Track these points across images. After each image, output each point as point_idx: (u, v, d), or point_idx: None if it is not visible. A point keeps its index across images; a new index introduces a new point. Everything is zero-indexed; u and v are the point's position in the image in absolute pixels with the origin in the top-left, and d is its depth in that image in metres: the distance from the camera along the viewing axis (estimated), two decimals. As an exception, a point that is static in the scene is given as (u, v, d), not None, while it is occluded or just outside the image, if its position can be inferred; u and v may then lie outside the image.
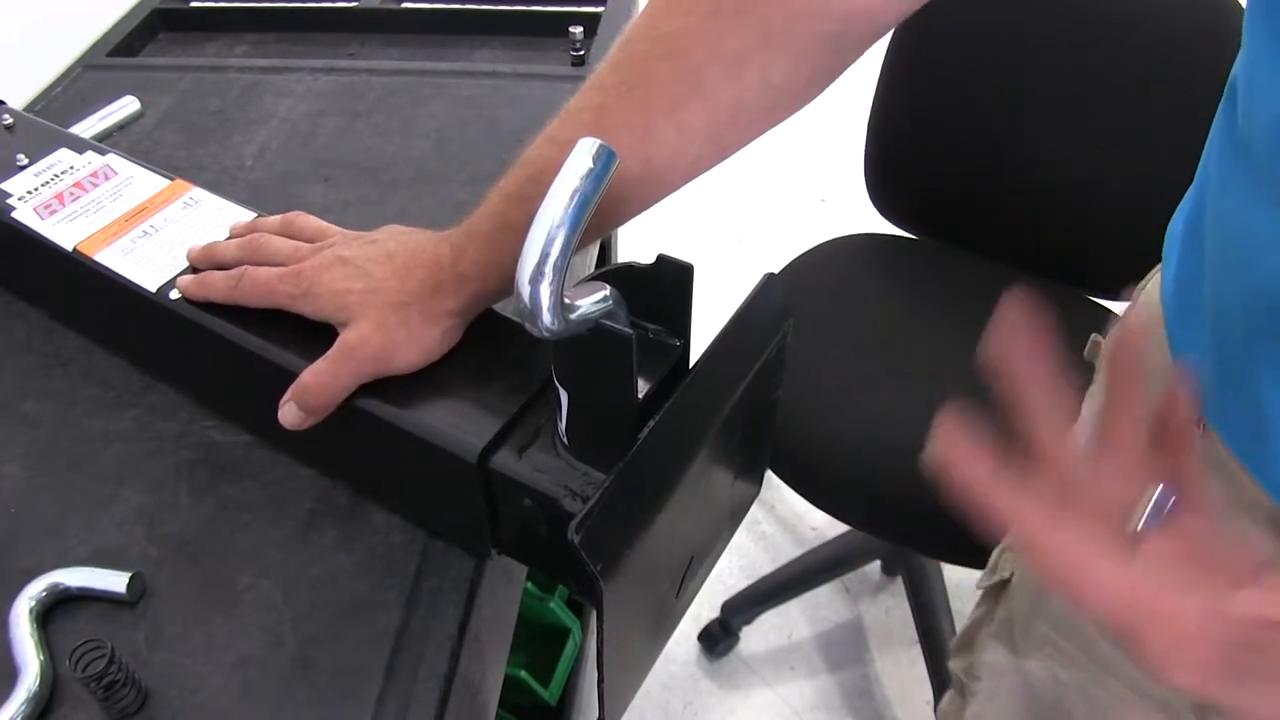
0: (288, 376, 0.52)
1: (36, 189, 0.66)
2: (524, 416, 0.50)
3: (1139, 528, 0.36)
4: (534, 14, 1.08)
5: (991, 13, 1.22)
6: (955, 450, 0.36)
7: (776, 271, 0.51)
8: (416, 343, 0.51)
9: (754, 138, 0.53)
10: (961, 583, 1.59)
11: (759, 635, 1.56)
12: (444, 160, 0.85)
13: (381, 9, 1.11)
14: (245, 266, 0.56)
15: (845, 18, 0.49)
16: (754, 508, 0.69)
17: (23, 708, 0.48)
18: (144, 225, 0.63)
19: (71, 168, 0.68)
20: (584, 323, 0.42)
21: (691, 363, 0.49)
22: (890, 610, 1.58)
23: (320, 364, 0.51)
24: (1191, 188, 0.56)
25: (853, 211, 1.51)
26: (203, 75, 0.99)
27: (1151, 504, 0.35)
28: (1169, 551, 0.35)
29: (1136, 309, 0.64)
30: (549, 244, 0.38)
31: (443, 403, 0.51)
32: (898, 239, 1.39)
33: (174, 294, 0.58)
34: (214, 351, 0.57)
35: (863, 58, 0.53)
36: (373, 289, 0.52)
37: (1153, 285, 0.61)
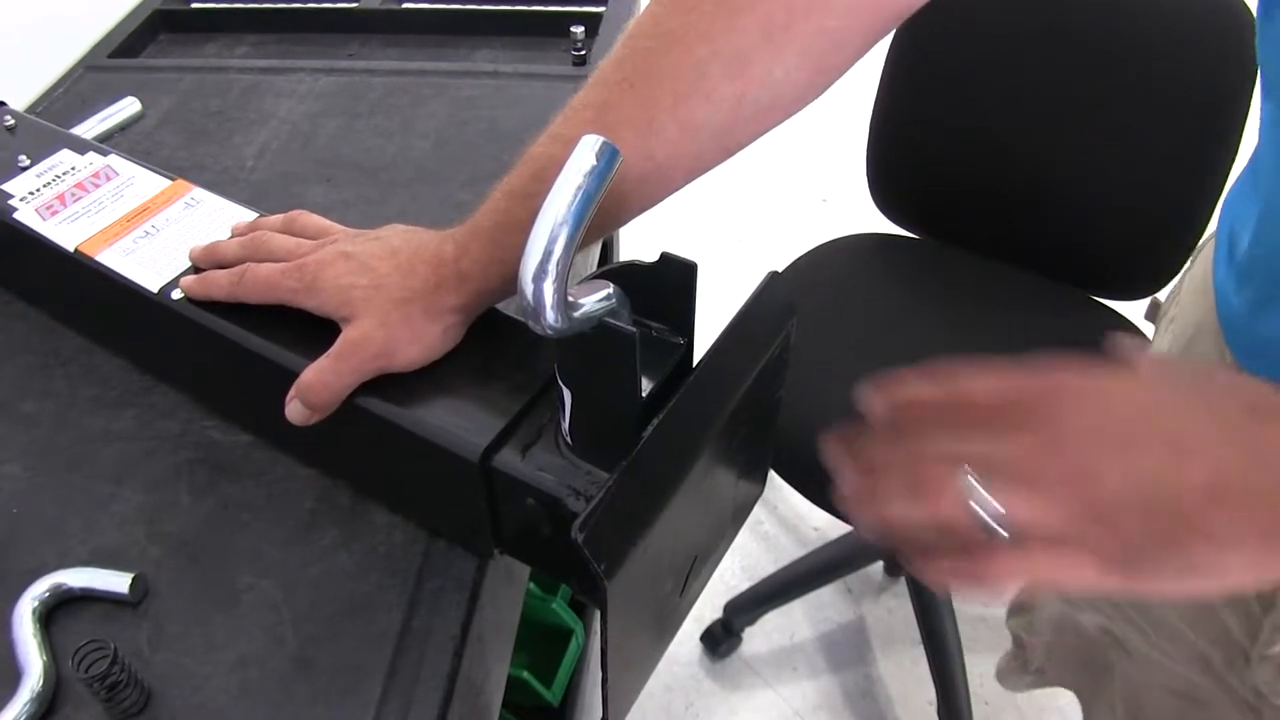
0: (289, 376, 0.52)
1: (38, 190, 0.66)
2: (527, 415, 0.50)
3: None
4: (535, 14, 1.08)
5: (993, 12, 1.22)
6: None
7: (778, 271, 0.51)
8: (418, 340, 0.51)
9: (757, 136, 0.53)
10: (964, 583, 1.59)
11: (761, 636, 1.55)
12: (444, 160, 0.85)
13: (382, 9, 1.11)
14: (248, 264, 0.56)
15: (848, 13, 0.49)
16: (756, 508, 0.69)
17: (26, 708, 0.47)
18: (145, 226, 0.63)
19: (73, 168, 0.68)
20: (587, 321, 0.42)
21: (695, 361, 0.49)
22: (893, 611, 1.58)
23: (322, 361, 0.51)
24: (1247, 164, 0.57)
25: (854, 211, 1.51)
26: (203, 76, 0.99)
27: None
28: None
29: (1193, 270, 0.65)
30: (552, 242, 0.38)
31: (445, 401, 0.51)
32: (899, 239, 1.39)
33: (176, 294, 0.58)
34: (215, 351, 0.57)
35: (864, 56, 0.53)
36: (376, 285, 0.52)
37: (1209, 248, 0.62)
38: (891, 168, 1.36)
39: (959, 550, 0.39)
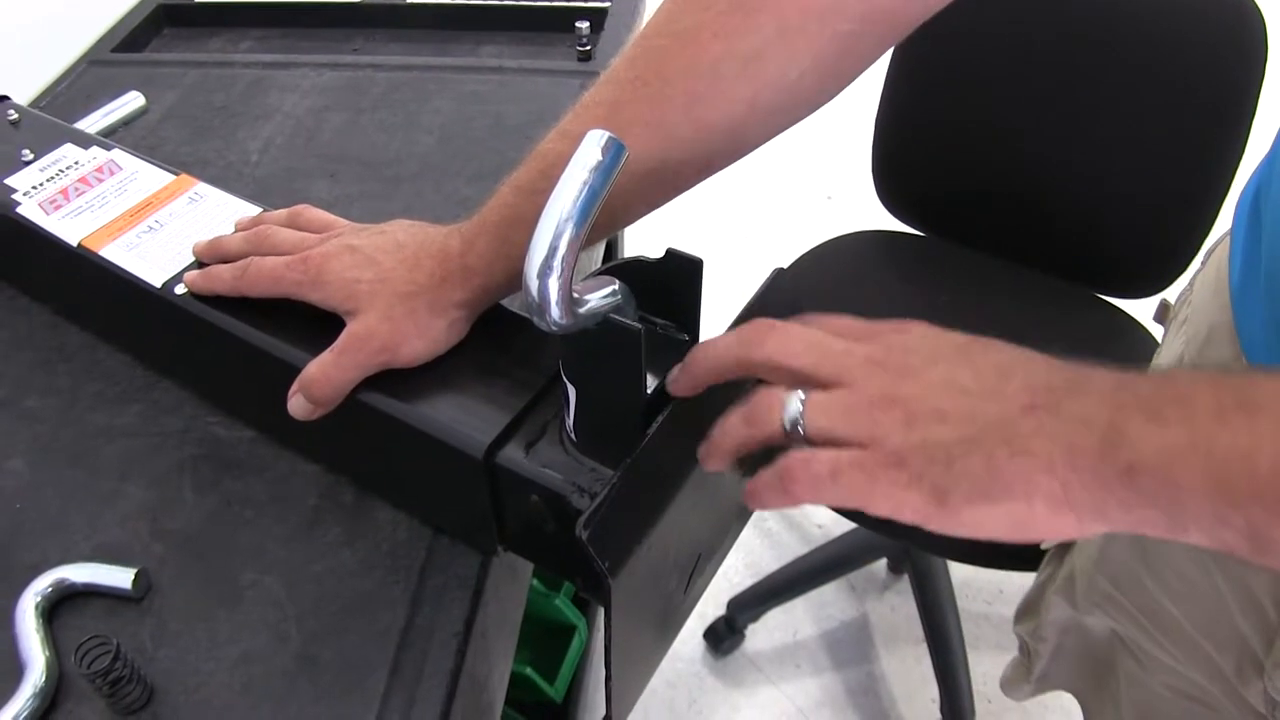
0: (292, 372, 0.52)
1: (41, 184, 0.66)
2: (531, 412, 0.50)
3: None
4: (540, 9, 1.08)
5: (999, 9, 1.22)
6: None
7: (784, 267, 0.50)
8: (423, 335, 0.51)
9: (769, 137, 0.52)
10: (968, 580, 1.59)
11: (764, 633, 1.55)
12: (449, 156, 0.84)
13: (386, 4, 1.10)
14: (251, 257, 0.56)
15: (863, 17, 0.49)
16: (760, 505, 0.69)
17: (29, 703, 0.47)
18: (149, 220, 0.63)
19: (76, 163, 0.68)
20: (592, 317, 0.41)
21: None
22: (896, 608, 1.58)
23: (326, 355, 0.51)
24: (1263, 159, 0.56)
25: (860, 208, 1.50)
26: (207, 71, 0.99)
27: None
28: None
29: (1205, 271, 0.64)
30: (557, 238, 0.38)
31: (449, 398, 0.51)
32: (905, 236, 1.39)
33: (179, 289, 0.58)
34: (218, 347, 0.57)
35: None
36: (381, 278, 0.51)
37: (1221, 249, 0.61)
38: (897, 164, 1.36)
39: (775, 465, 0.40)
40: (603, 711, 0.50)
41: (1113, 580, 0.68)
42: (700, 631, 1.54)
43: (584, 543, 0.39)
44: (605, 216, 0.40)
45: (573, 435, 0.48)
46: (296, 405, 0.52)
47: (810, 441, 0.39)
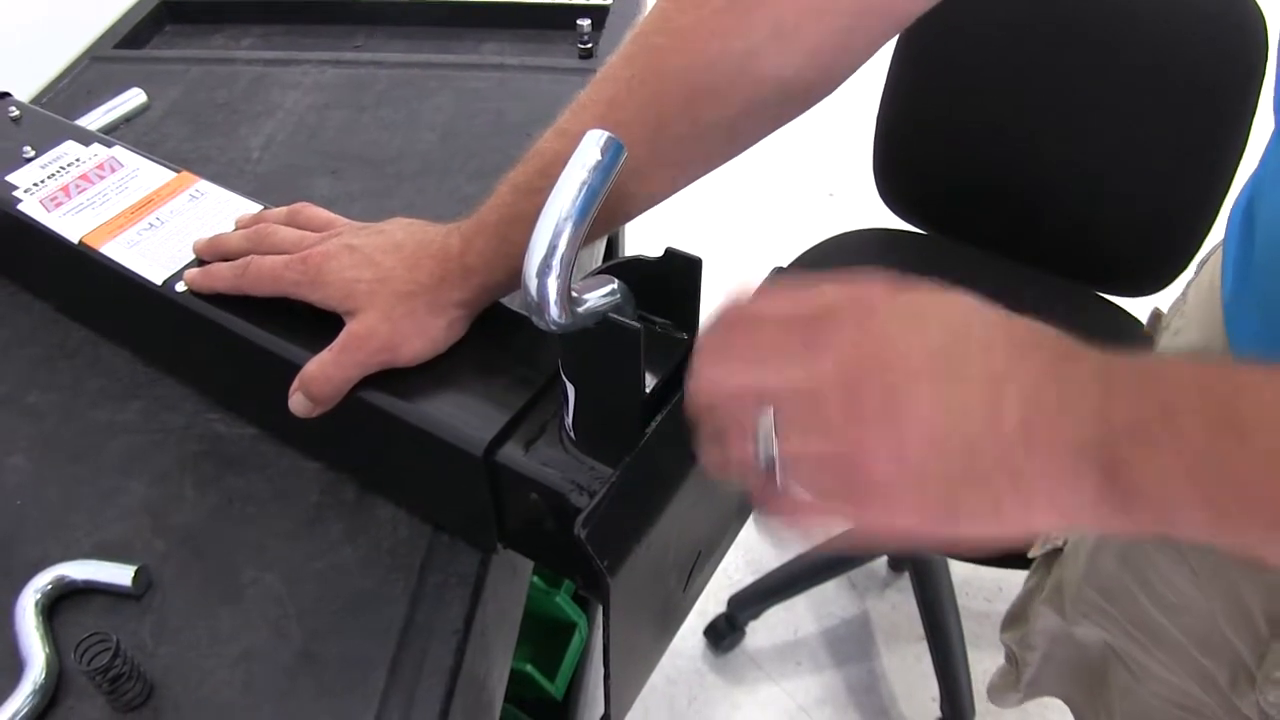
0: (293, 369, 0.52)
1: (43, 181, 0.66)
2: (530, 411, 0.50)
3: None
4: (541, 7, 1.08)
5: (1001, 6, 1.22)
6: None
7: (784, 266, 0.50)
8: (423, 334, 0.51)
9: (766, 134, 0.52)
10: (968, 578, 1.59)
11: (765, 630, 1.55)
12: (450, 153, 0.84)
13: (388, 1, 1.10)
14: (251, 256, 0.56)
15: (858, 12, 0.49)
16: (761, 503, 0.69)
17: (29, 700, 0.48)
18: (150, 217, 0.63)
19: (78, 160, 0.68)
20: (591, 316, 0.42)
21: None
22: (896, 606, 1.58)
23: (325, 354, 0.51)
24: (1255, 169, 0.56)
25: (861, 206, 1.50)
26: (209, 67, 0.99)
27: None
28: None
29: (1198, 280, 0.64)
30: (556, 237, 0.38)
31: (449, 396, 0.51)
32: (906, 234, 1.39)
33: (180, 286, 0.58)
34: (219, 344, 0.57)
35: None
36: (380, 278, 0.51)
37: (1214, 259, 0.61)
38: (898, 162, 1.36)
39: (761, 489, 0.38)
40: (603, 709, 0.50)
41: (1102, 592, 0.68)
42: (701, 628, 1.54)
43: (583, 541, 0.39)
44: (602, 214, 0.39)
45: (572, 434, 0.48)
46: (297, 403, 0.52)
47: (776, 472, 0.37)
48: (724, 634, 1.52)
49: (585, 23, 0.97)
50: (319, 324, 0.53)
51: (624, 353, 0.42)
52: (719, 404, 0.39)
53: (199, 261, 0.59)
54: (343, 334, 0.51)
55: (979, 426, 0.34)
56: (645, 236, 0.89)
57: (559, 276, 0.38)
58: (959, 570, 1.52)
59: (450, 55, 1.01)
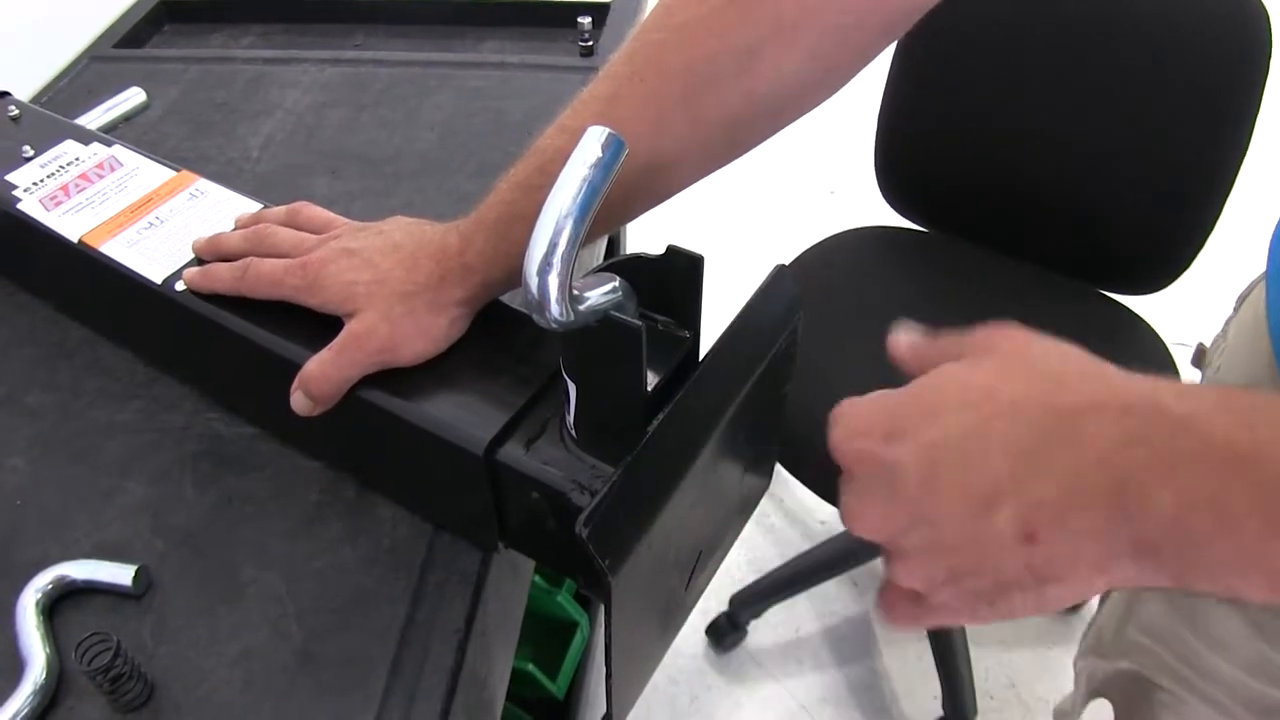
0: (292, 368, 0.52)
1: (42, 180, 0.66)
2: (532, 409, 0.50)
3: None
4: (542, 5, 1.08)
5: (1003, 4, 1.21)
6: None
7: (786, 264, 0.50)
8: (423, 334, 0.51)
9: (767, 134, 0.52)
10: (970, 577, 1.58)
11: (766, 629, 1.55)
12: (450, 152, 0.84)
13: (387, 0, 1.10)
14: (250, 258, 0.55)
15: (860, 11, 0.48)
16: (762, 501, 0.69)
17: (29, 700, 0.47)
18: (149, 217, 0.63)
19: (77, 159, 0.68)
20: (593, 314, 0.41)
21: (701, 355, 0.49)
22: (898, 604, 1.57)
23: (325, 353, 0.51)
24: None
25: (862, 204, 1.50)
26: (208, 67, 0.98)
27: None
28: None
29: (1239, 316, 0.64)
30: (557, 234, 0.37)
31: (449, 395, 0.51)
32: (907, 232, 1.39)
33: (180, 286, 0.58)
34: (219, 343, 0.57)
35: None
36: (379, 279, 0.51)
37: (1257, 293, 0.60)
38: (900, 160, 1.36)
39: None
40: (604, 707, 0.50)
41: (1145, 630, 0.68)
42: (702, 627, 1.54)
43: (584, 540, 0.39)
44: (602, 213, 0.39)
45: (573, 432, 0.48)
46: (297, 401, 0.52)
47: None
48: (726, 633, 1.52)
49: (586, 20, 0.96)
50: (319, 323, 0.53)
51: (626, 351, 0.42)
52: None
53: (199, 261, 0.59)
54: (342, 333, 0.51)
55: (991, 551, 0.35)
56: (646, 234, 0.89)
57: (560, 274, 0.38)
58: (961, 569, 1.52)
59: (450, 54, 1.01)
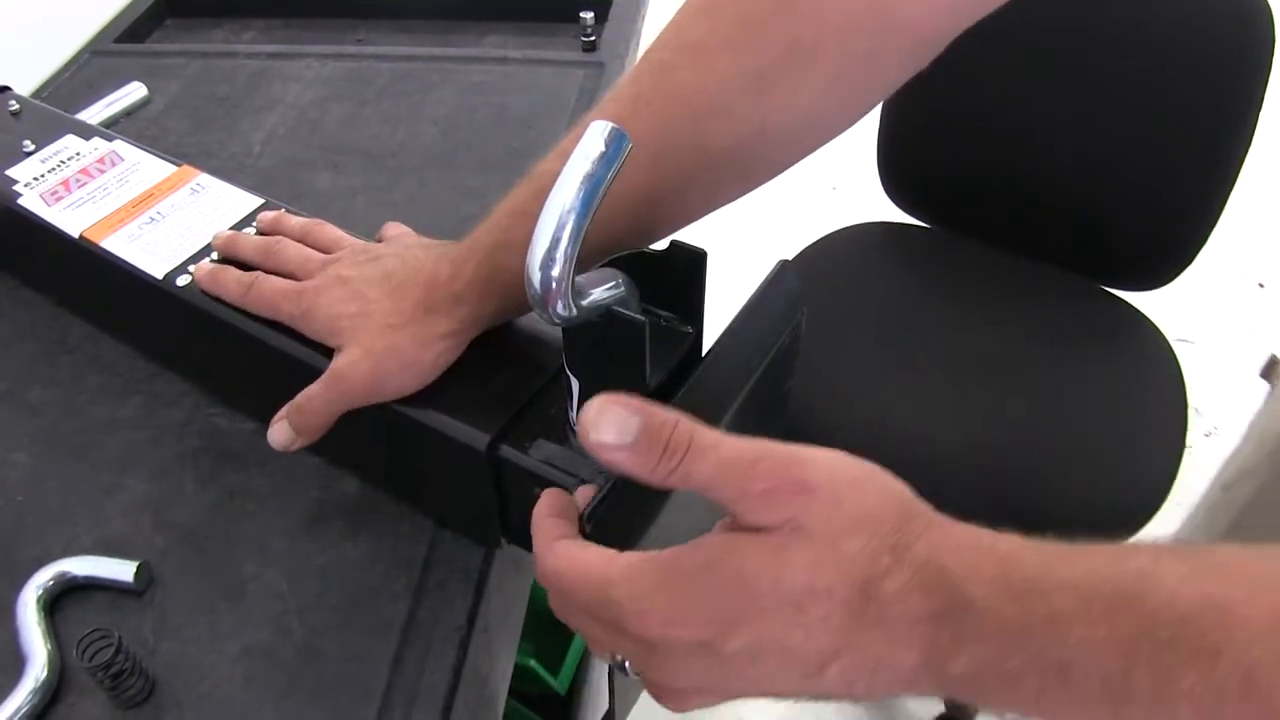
0: (293, 364, 0.52)
1: (43, 175, 0.66)
2: (534, 405, 0.50)
3: None
4: (544, -1, 1.07)
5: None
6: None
7: (788, 259, 0.50)
8: (406, 369, 0.50)
9: (780, 168, 0.50)
10: (972, 573, 1.58)
11: (768, 625, 1.55)
12: (452, 147, 0.84)
13: (389, -6, 1.10)
14: (257, 275, 0.55)
15: (883, 36, 0.46)
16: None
17: (31, 696, 0.47)
18: (150, 211, 0.63)
19: (78, 154, 0.68)
20: (595, 310, 0.41)
21: (704, 351, 0.48)
22: (900, 601, 1.57)
23: (313, 388, 0.51)
24: None
25: (864, 199, 1.50)
26: (210, 61, 0.98)
27: None
28: None
29: None
30: (560, 229, 0.37)
31: (452, 391, 0.51)
32: (910, 227, 1.38)
33: (181, 281, 0.58)
34: (220, 339, 0.57)
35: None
36: (364, 312, 0.51)
37: None
38: (902, 155, 1.35)
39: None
40: (606, 704, 0.50)
41: None
42: (704, 623, 1.54)
43: (587, 536, 0.39)
44: (604, 240, 0.39)
45: (576, 428, 0.48)
46: (278, 433, 0.52)
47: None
48: (727, 629, 1.51)
49: (588, 15, 0.96)
50: None
51: (629, 346, 0.42)
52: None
53: (208, 252, 0.59)
54: (327, 371, 0.51)
55: (714, 661, 0.37)
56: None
57: (563, 269, 0.38)
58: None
59: (452, 48, 1.01)
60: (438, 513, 0.56)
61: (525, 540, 0.53)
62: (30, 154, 0.68)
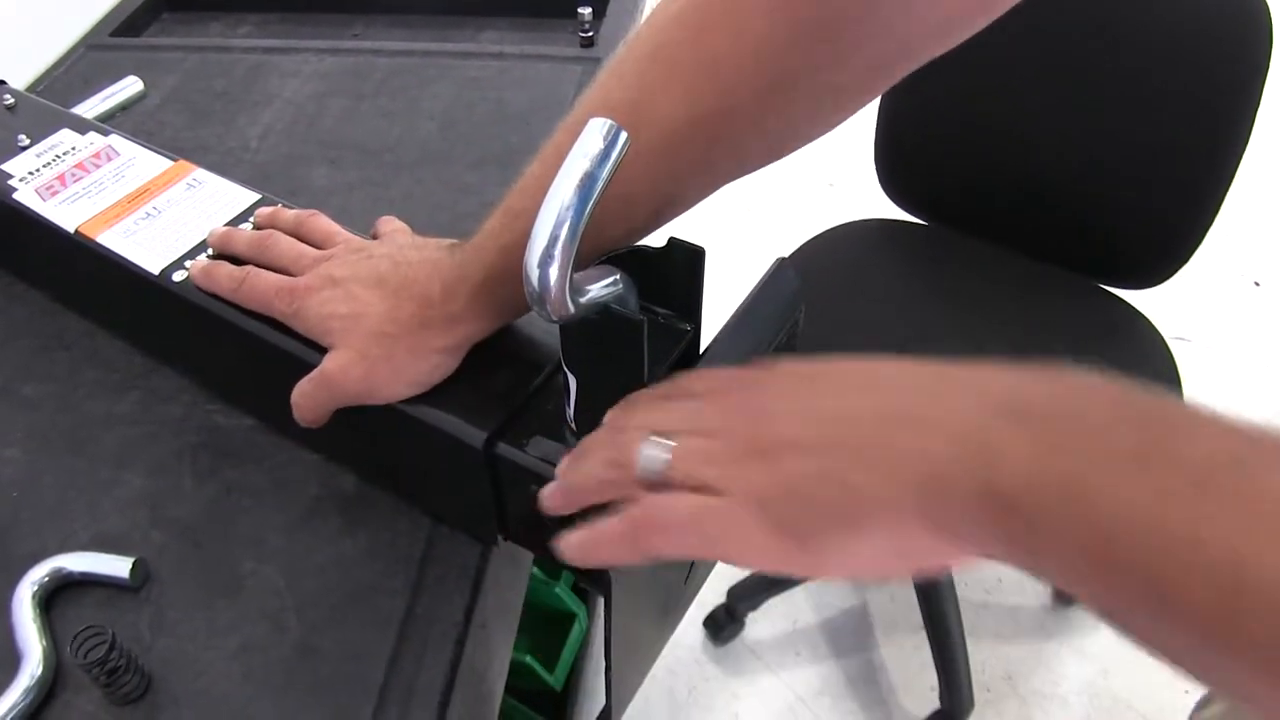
0: (289, 360, 0.52)
1: (38, 170, 0.66)
2: (532, 402, 0.50)
3: None
4: (541, -6, 1.07)
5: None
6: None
7: (785, 256, 0.50)
8: (401, 377, 0.50)
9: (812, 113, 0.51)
10: (968, 569, 1.58)
11: (764, 621, 1.55)
12: (449, 142, 0.84)
13: (387, -11, 1.10)
14: (250, 270, 0.55)
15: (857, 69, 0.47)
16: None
17: (25, 693, 0.47)
18: (147, 207, 0.62)
19: (74, 148, 0.67)
20: (593, 307, 0.41)
21: (702, 348, 0.48)
22: (895, 596, 1.58)
23: (304, 385, 0.51)
24: None
25: (861, 196, 1.50)
26: (207, 56, 0.98)
27: None
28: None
29: None
30: (558, 226, 0.37)
31: (449, 388, 0.51)
32: (907, 224, 1.39)
33: (178, 276, 0.57)
34: (217, 334, 0.57)
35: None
36: (356, 314, 0.50)
37: None
38: (899, 152, 1.35)
39: (625, 512, 0.38)
40: (603, 700, 0.50)
41: None
42: (700, 619, 1.54)
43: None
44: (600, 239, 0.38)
45: (574, 426, 0.48)
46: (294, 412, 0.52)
47: (651, 470, 0.37)
48: (723, 625, 1.52)
49: (586, 11, 0.96)
50: None
51: (627, 343, 0.42)
52: (610, 436, 0.41)
53: (210, 252, 0.59)
54: (318, 369, 0.51)
55: (838, 425, 0.34)
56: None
57: (561, 266, 0.38)
58: (958, 561, 1.52)
59: (449, 43, 1.01)
60: (435, 509, 0.56)
61: (522, 537, 0.53)
62: (25, 148, 0.68)
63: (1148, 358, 1.17)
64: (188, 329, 0.60)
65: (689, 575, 0.54)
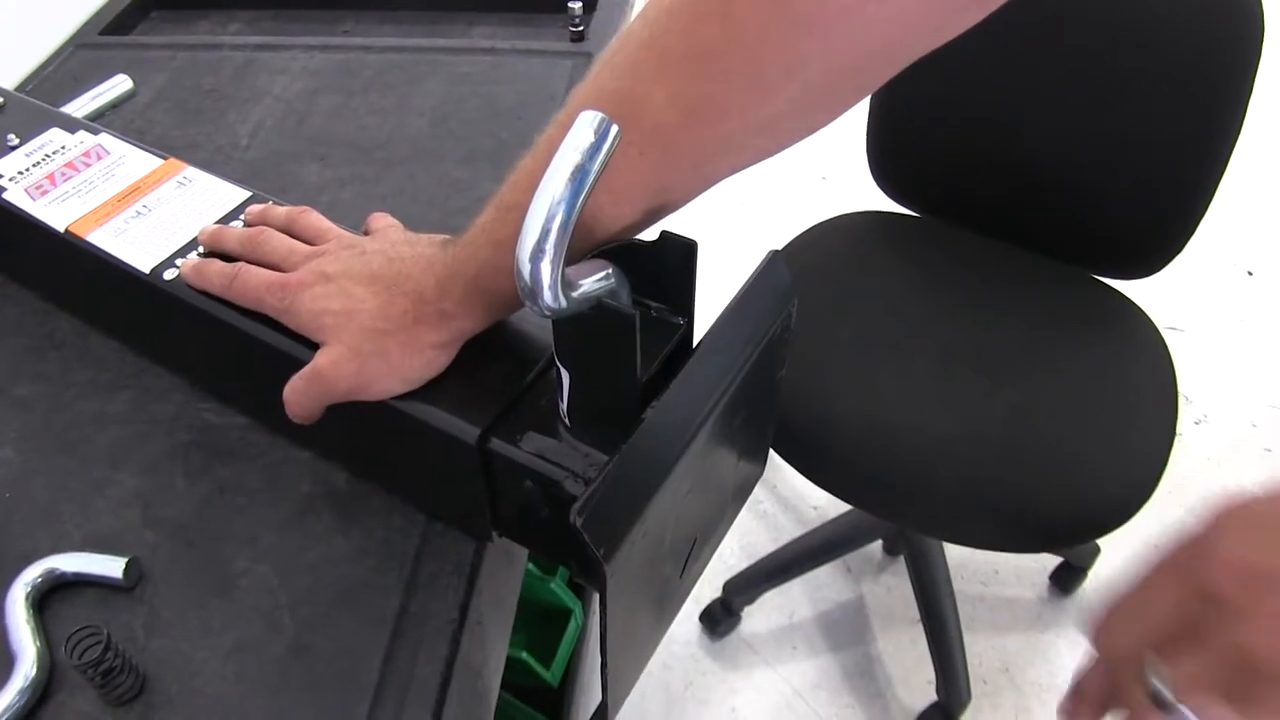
0: (282, 358, 0.52)
1: (27, 169, 0.65)
2: (525, 397, 0.50)
3: None
4: (532, -11, 1.07)
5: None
6: None
7: (779, 249, 0.50)
8: (394, 373, 0.50)
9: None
10: (964, 562, 1.59)
11: (760, 615, 1.56)
12: (440, 138, 0.84)
13: (376, -15, 1.09)
14: (241, 266, 0.55)
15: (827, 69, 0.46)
16: (756, 487, 0.69)
17: (20, 695, 0.47)
18: (137, 205, 0.62)
19: (63, 147, 0.67)
20: (585, 301, 0.41)
21: (695, 341, 0.48)
22: (892, 590, 1.58)
23: (296, 381, 0.51)
24: None
25: (854, 188, 1.50)
26: (196, 53, 0.98)
27: None
28: None
29: None
30: (549, 220, 0.37)
31: (442, 384, 0.51)
32: (899, 216, 1.39)
33: (168, 274, 0.57)
34: (208, 333, 0.57)
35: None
36: (349, 310, 0.50)
37: None
38: (892, 145, 1.35)
39: None
40: (599, 695, 0.50)
41: None
42: (696, 614, 1.54)
43: (578, 529, 0.39)
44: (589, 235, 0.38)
45: (567, 420, 0.47)
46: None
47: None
48: (719, 619, 1.52)
49: (576, 6, 0.96)
50: None
51: (619, 338, 0.42)
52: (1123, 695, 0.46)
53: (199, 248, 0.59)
54: (310, 365, 0.50)
55: None
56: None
57: (553, 260, 0.37)
58: (954, 553, 1.52)
59: (440, 39, 1.00)
60: (429, 506, 0.56)
61: (517, 533, 0.53)
62: (15, 148, 0.67)
63: (1141, 348, 1.17)
64: (179, 327, 0.60)
65: (684, 569, 0.54)
